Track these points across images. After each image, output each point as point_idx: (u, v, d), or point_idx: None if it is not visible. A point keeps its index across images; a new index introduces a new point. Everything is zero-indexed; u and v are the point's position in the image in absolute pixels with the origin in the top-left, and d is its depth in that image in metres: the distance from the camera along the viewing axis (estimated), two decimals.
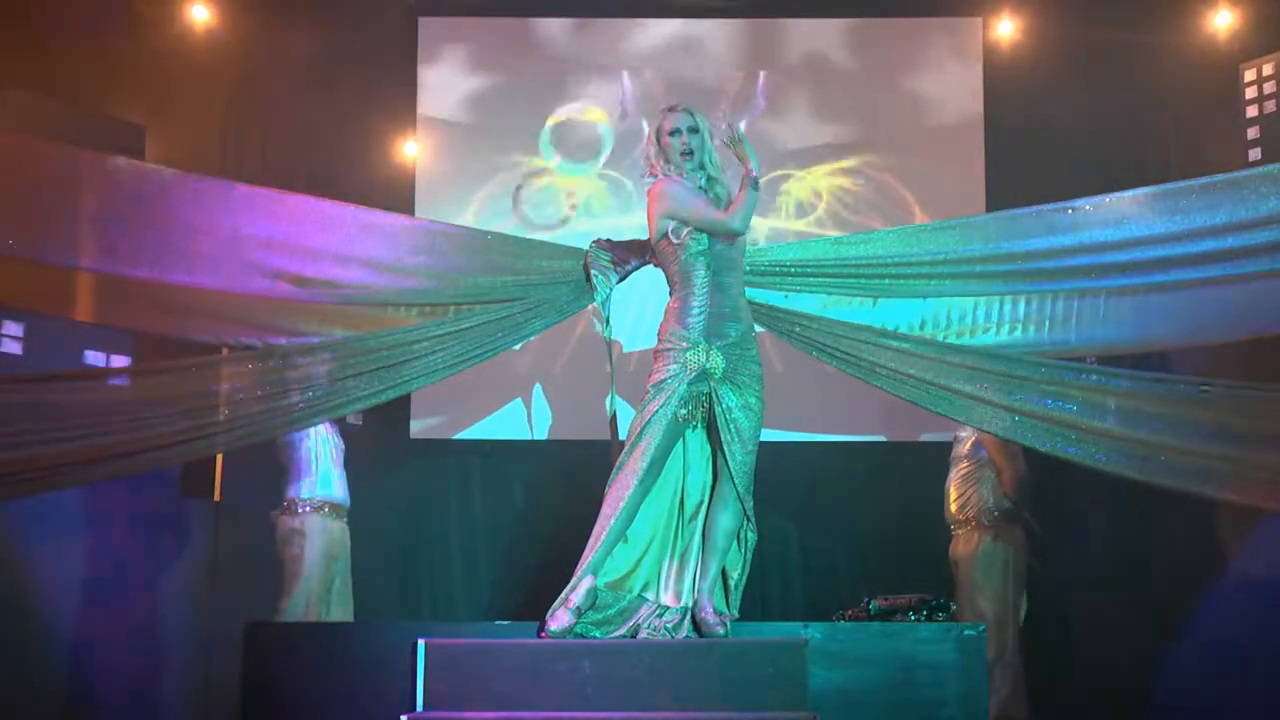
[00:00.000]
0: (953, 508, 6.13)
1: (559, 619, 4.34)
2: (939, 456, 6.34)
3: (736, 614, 4.56)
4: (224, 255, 4.91)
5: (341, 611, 5.94)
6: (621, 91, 7.80)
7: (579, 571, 4.41)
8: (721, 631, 4.40)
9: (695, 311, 4.48)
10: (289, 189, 5.18)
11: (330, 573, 5.77)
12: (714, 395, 4.44)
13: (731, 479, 4.44)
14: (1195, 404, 4.71)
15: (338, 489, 5.87)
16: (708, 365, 4.44)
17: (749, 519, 4.51)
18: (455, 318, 4.97)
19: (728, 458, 4.43)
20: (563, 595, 4.39)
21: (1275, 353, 5.00)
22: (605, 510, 4.44)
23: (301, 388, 4.92)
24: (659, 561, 4.58)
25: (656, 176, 4.60)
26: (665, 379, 4.45)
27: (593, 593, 4.40)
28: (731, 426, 4.43)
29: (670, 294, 4.59)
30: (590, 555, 4.41)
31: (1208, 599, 6.17)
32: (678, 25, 7.88)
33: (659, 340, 4.54)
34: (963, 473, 6.12)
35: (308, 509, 5.75)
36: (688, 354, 4.44)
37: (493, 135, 7.83)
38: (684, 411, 4.46)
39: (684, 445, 4.58)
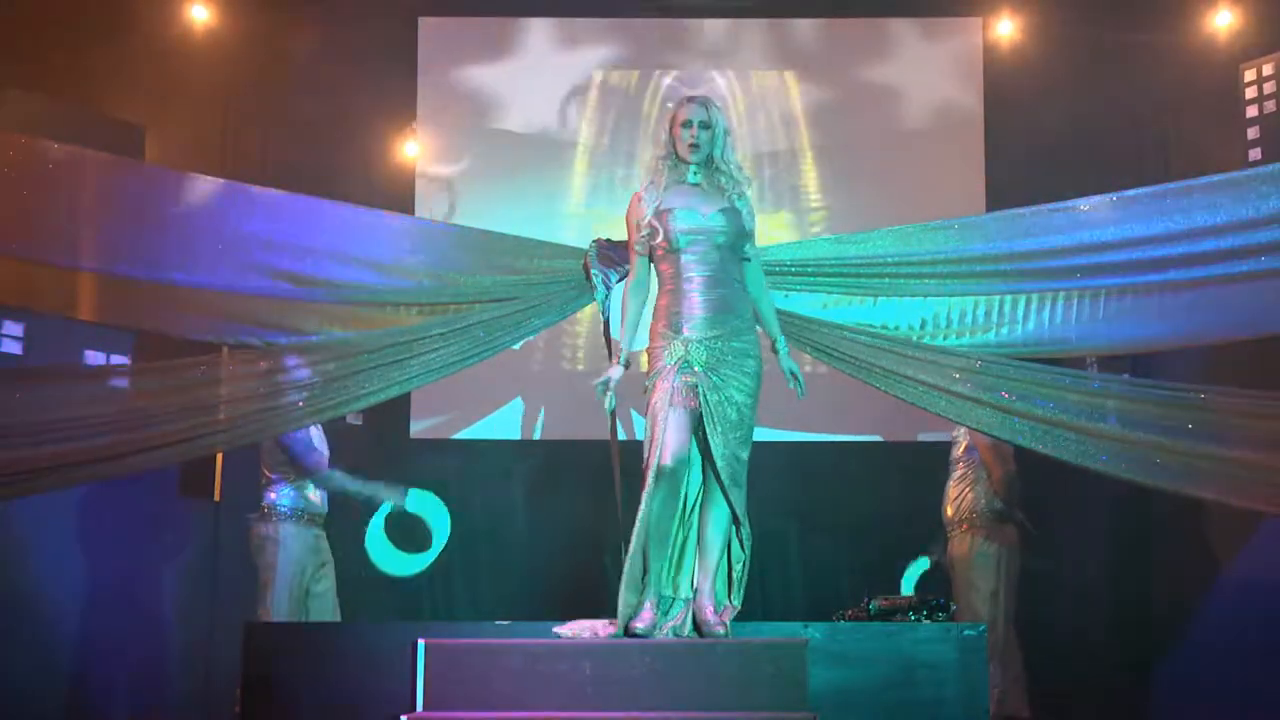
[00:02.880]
0: (948, 510, 6.16)
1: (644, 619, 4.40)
2: (939, 456, 6.34)
3: (740, 604, 4.53)
4: (224, 255, 4.91)
5: (324, 619, 5.90)
6: (623, 89, 7.82)
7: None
8: (721, 631, 4.40)
9: (672, 308, 4.49)
10: (289, 189, 5.19)
11: (305, 580, 5.76)
12: (699, 389, 4.44)
13: (716, 475, 4.43)
14: (1193, 407, 4.71)
15: (315, 497, 5.85)
16: (688, 358, 4.43)
17: (738, 517, 4.46)
18: (455, 317, 4.97)
19: (712, 452, 4.41)
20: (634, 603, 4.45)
21: (1275, 353, 5.00)
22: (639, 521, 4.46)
23: (301, 387, 4.92)
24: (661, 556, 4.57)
25: (651, 174, 4.64)
26: (657, 371, 4.47)
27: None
28: (714, 421, 4.40)
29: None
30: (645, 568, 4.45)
31: (1207, 600, 6.18)
32: (677, 25, 7.89)
33: (650, 335, 4.57)
34: (957, 475, 6.14)
35: (283, 516, 5.74)
36: (666, 350, 4.45)
37: (493, 135, 7.83)
38: (674, 399, 4.43)
39: None
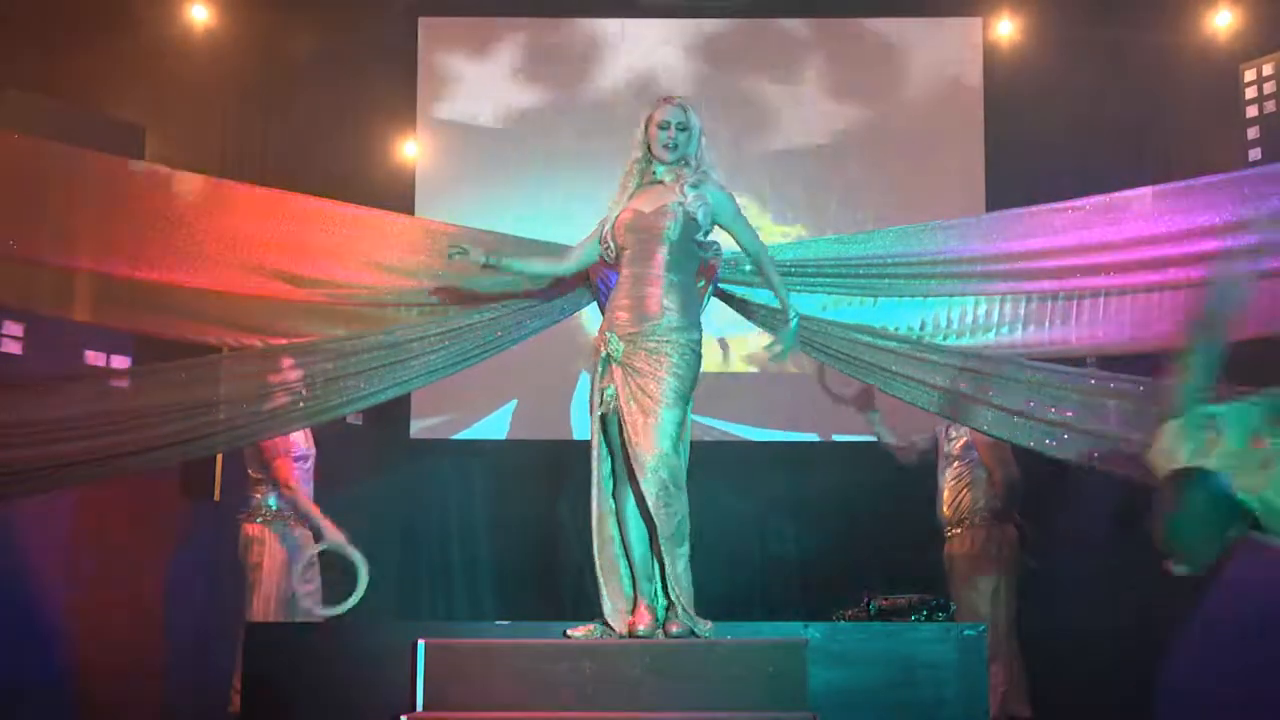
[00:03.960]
0: (946, 510, 6.15)
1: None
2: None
3: (675, 600, 4.40)
4: (224, 255, 4.92)
5: (309, 619, 5.90)
6: (623, 89, 7.81)
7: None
8: (678, 631, 4.36)
9: (609, 304, 4.55)
10: (289, 189, 5.19)
11: (292, 581, 5.77)
12: (615, 390, 4.43)
13: (630, 470, 4.39)
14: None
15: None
16: (609, 353, 4.45)
17: (647, 513, 4.36)
18: (455, 318, 4.97)
19: (627, 442, 4.38)
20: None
21: (1275, 353, 4.99)
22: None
23: (301, 388, 4.92)
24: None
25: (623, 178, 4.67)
26: (595, 373, 4.52)
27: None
28: (628, 411, 4.38)
29: None
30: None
31: (1207, 599, 6.16)
32: (677, 24, 7.88)
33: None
34: (955, 474, 6.13)
35: (270, 517, 5.75)
36: (599, 349, 4.51)
37: (493, 135, 7.83)
38: (601, 405, 4.47)
39: None
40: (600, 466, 4.48)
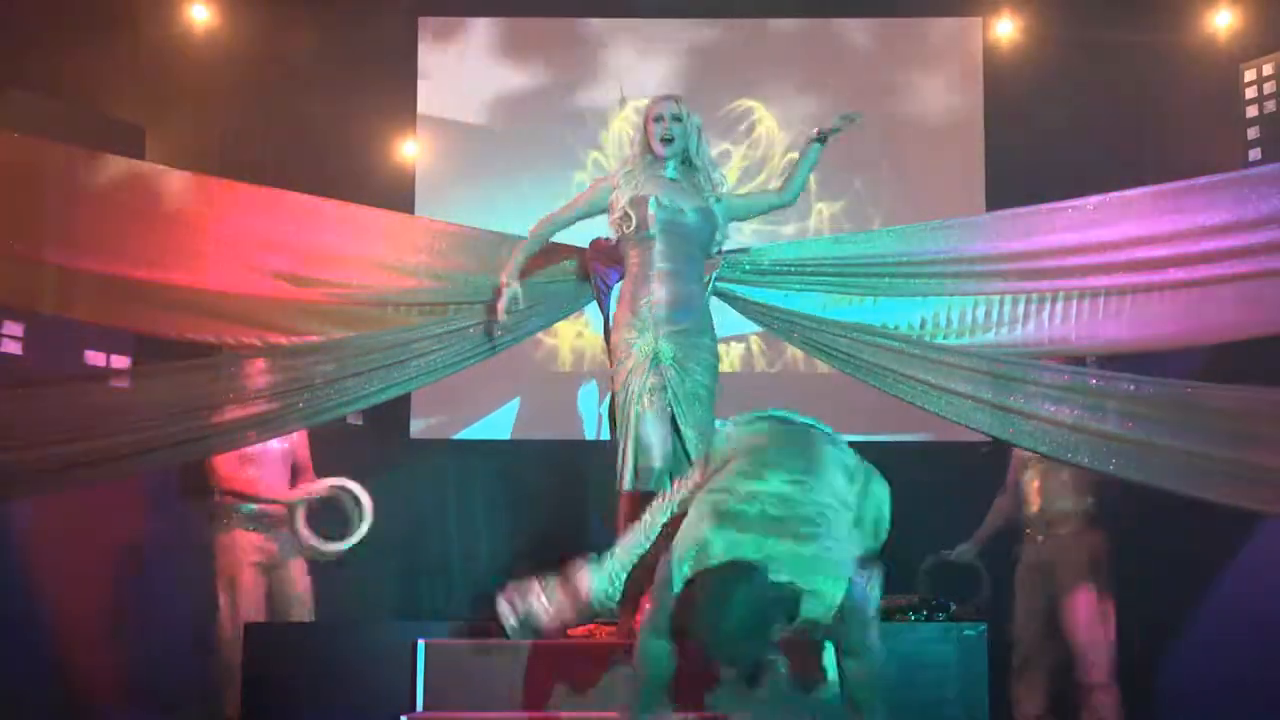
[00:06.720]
0: (1033, 509, 5.77)
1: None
2: (938, 457, 6.32)
3: None
4: (224, 255, 4.92)
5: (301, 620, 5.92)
6: (620, 89, 7.82)
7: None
8: None
9: (641, 298, 4.53)
10: (289, 189, 5.19)
11: (271, 583, 5.77)
12: (666, 382, 4.46)
13: (690, 460, 4.42)
14: (1195, 405, 4.71)
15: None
16: (657, 349, 4.47)
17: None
18: (455, 317, 4.97)
19: (685, 442, 4.45)
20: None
21: (1275, 353, 4.99)
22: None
23: (301, 388, 4.92)
24: None
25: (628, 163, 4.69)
26: (630, 366, 4.50)
27: None
28: (684, 412, 4.45)
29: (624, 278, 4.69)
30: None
31: (1207, 599, 6.17)
32: (677, 24, 7.88)
33: (615, 326, 4.62)
34: (1041, 471, 5.73)
35: (241, 520, 5.74)
36: (636, 344, 4.49)
37: (493, 135, 7.83)
38: (650, 397, 4.48)
39: None
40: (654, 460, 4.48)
